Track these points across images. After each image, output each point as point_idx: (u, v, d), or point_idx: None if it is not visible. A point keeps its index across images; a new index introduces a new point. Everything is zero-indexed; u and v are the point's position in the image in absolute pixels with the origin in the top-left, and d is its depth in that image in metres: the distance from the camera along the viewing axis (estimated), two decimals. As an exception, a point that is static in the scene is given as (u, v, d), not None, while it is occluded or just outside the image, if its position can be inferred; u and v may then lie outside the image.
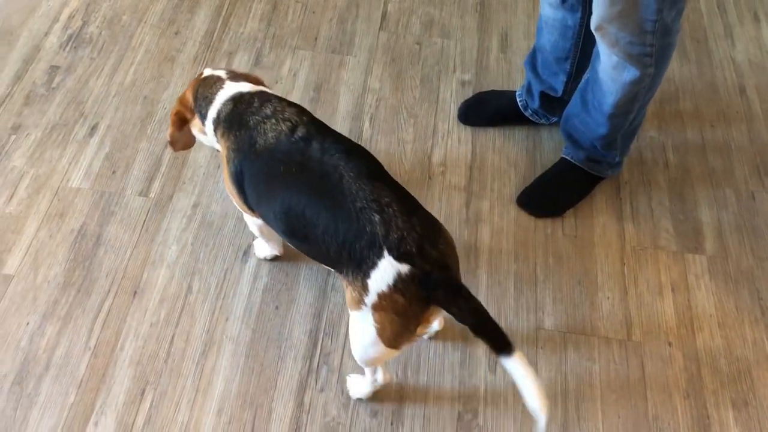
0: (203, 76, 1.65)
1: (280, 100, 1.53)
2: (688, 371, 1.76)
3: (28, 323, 1.76)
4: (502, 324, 1.75)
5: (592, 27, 1.67)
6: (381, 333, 1.36)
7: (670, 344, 1.81)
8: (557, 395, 1.71)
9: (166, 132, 1.72)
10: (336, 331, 1.79)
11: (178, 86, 2.26)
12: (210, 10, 2.50)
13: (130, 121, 2.18)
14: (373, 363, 1.55)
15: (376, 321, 1.35)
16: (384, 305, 1.31)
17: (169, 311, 1.80)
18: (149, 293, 1.83)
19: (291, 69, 2.35)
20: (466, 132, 2.21)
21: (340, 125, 2.20)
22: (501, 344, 1.27)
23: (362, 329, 1.39)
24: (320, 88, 2.30)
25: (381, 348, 1.39)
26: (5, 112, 2.17)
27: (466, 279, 1.80)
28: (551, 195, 2.06)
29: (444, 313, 1.32)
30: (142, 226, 1.95)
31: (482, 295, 1.86)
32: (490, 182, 2.10)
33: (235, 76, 1.63)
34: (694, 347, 1.80)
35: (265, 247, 1.85)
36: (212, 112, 1.56)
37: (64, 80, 2.26)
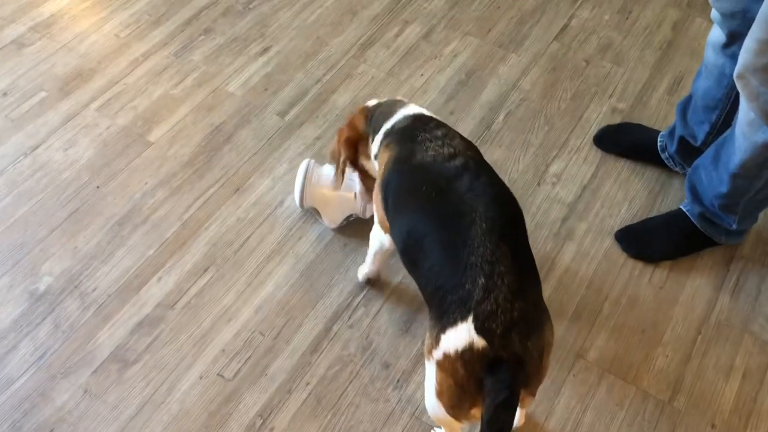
0: (372, 103, 1.68)
1: (453, 130, 1.51)
2: (719, 459, 1.61)
3: (146, 183, 2.05)
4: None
5: (735, 74, 1.57)
6: (439, 394, 1.30)
7: (713, 426, 1.66)
8: (567, 423, 1.66)
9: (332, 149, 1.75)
10: (386, 286, 1.87)
11: (349, 36, 2.46)
12: (407, -20, 2.67)
13: (298, 52, 2.41)
14: (441, 423, 1.45)
15: (437, 379, 1.29)
16: (447, 367, 1.25)
17: (256, 214, 1.99)
18: (248, 194, 2.03)
19: (454, 50, 2.44)
20: (595, 154, 2.17)
21: (475, 111, 2.26)
22: None
23: (428, 381, 1.34)
24: (473, 74, 2.37)
25: (441, 409, 1.32)
26: (205, 16, 2.50)
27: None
28: (653, 240, 1.96)
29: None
30: (268, 140, 2.16)
31: (538, 306, 1.83)
32: (597, 207, 2.05)
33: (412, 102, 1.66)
34: (738, 439, 1.64)
35: (367, 268, 1.82)
36: (388, 125, 1.57)
37: (261, 4, 2.55)
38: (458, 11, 2.57)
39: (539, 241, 1.96)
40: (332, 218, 1.93)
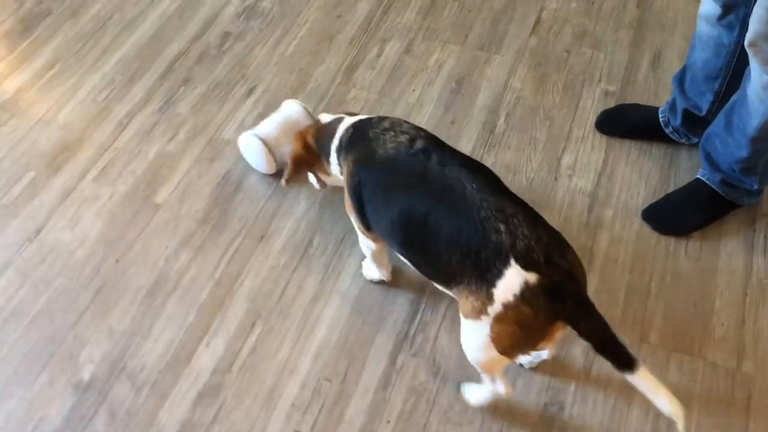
0: (323, 122, 1.74)
1: (398, 119, 1.58)
2: (800, 413, 1.65)
3: (166, 247, 1.96)
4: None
5: (746, 43, 1.63)
6: (497, 341, 1.35)
7: (784, 383, 1.71)
8: (649, 410, 1.67)
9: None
10: (437, 305, 1.85)
11: (331, 63, 2.42)
12: (373, -1, 2.66)
13: (284, 88, 2.36)
14: (487, 368, 1.50)
15: (493, 331, 1.33)
16: (508, 316, 1.29)
17: (289, 259, 1.94)
18: (274, 240, 1.98)
19: (438, 60, 2.44)
20: (601, 140, 2.20)
21: (476, 117, 2.26)
22: (625, 362, 1.26)
23: (476, 337, 1.38)
24: (462, 80, 2.38)
25: (494, 353, 1.38)
26: (180, 66, 2.42)
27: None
28: (679, 214, 2.01)
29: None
30: (278, 182, 2.11)
31: (589, 298, 1.85)
32: (617, 192, 2.08)
33: (350, 114, 1.72)
34: (811, 391, 1.69)
35: (373, 269, 1.85)
36: (335, 143, 1.63)
37: (234, 45, 2.49)
38: (431, 21, 2.57)
39: (572, 235, 1.98)
40: None
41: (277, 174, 2.09)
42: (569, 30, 2.54)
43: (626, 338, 1.75)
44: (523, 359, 1.71)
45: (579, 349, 1.76)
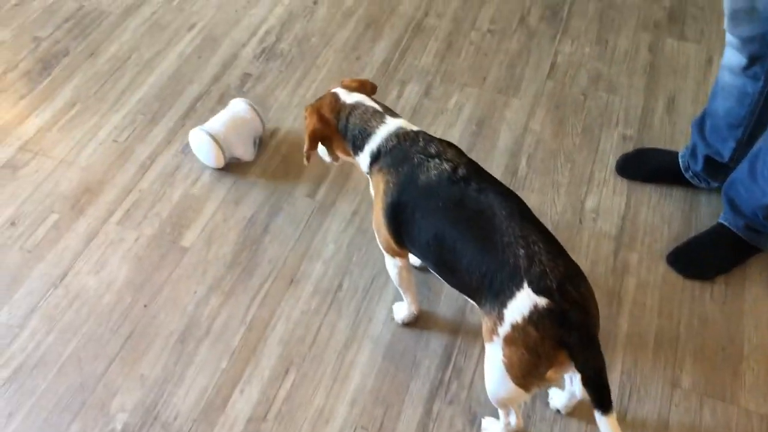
0: (344, 100, 1.66)
1: (440, 141, 1.59)
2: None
3: (195, 292, 1.95)
4: (637, 376, 1.77)
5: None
6: (509, 368, 1.38)
7: (817, 429, 1.72)
8: (687, 455, 1.68)
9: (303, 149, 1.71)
10: (470, 350, 1.85)
11: (352, 105, 2.44)
12: (390, 42, 2.69)
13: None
14: (503, 402, 1.55)
15: (505, 355, 1.37)
16: (516, 338, 1.34)
17: (319, 303, 1.93)
18: (304, 283, 1.97)
19: (457, 103, 2.47)
20: (622, 184, 2.24)
21: (498, 160, 2.29)
22: (604, 404, 1.32)
23: (493, 363, 1.42)
24: (482, 123, 2.41)
25: (510, 385, 1.41)
26: (201, 107, 2.43)
27: (605, 325, 1.83)
28: (703, 258, 2.04)
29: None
30: (306, 224, 2.11)
31: (620, 344, 1.86)
32: (641, 236, 2.11)
33: (387, 110, 1.66)
34: (844, 436, 1.71)
35: (403, 308, 1.87)
36: (372, 146, 1.61)
37: (254, 86, 2.51)
38: (449, 64, 2.61)
39: (599, 279, 2.00)
40: (249, 152, 2.23)
41: (226, 168, 2.22)
42: (584, 74, 2.59)
43: (658, 382, 1.79)
44: (559, 403, 1.71)
45: (613, 395, 1.76)
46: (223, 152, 2.16)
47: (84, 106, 2.42)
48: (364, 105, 1.66)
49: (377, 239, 1.69)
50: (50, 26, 2.69)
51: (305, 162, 1.71)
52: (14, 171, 2.22)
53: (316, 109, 1.69)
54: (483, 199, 1.45)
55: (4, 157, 2.26)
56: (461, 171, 1.50)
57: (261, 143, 2.30)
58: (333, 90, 1.70)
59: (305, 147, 1.69)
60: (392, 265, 1.75)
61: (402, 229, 1.58)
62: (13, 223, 2.08)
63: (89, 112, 2.40)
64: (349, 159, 1.74)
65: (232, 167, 2.24)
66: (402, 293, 1.84)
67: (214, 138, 2.14)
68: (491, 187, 1.48)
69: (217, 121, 2.20)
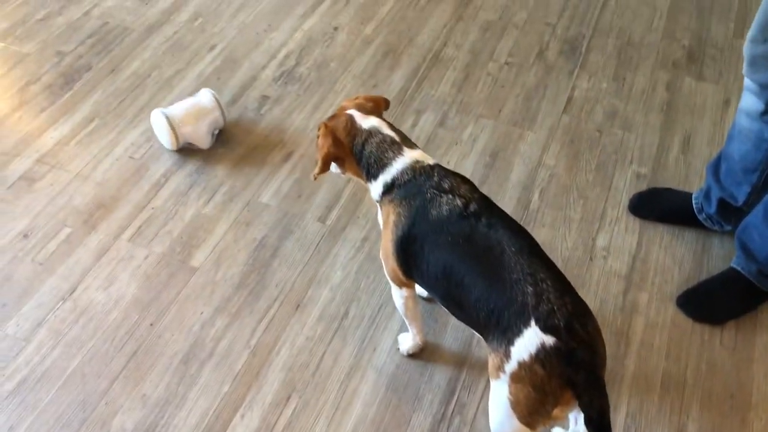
0: (360, 125, 1.63)
1: (455, 175, 1.58)
2: None
3: (202, 312, 1.95)
4: (642, 420, 1.75)
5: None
6: (515, 406, 1.37)
7: (824, 483, 1.69)
8: (691, 504, 1.65)
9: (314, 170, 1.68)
10: (475, 385, 1.83)
11: (367, 131, 2.45)
12: (408, 70, 2.70)
13: (320, 154, 2.38)
14: None
15: (511, 392, 1.36)
16: (522, 375, 1.33)
17: (324, 329, 1.93)
18: (310, 309, 1.97)
19: (472, 134, 2.48)
20: (634, 223, 2.22)
21: (510, 193, 2.29)
22: None
23: (498, 400, 1.41)
24: (496, 155, 2.41)
25: (515, 423, 1.40)
26: (218, 128, 2.45)
27: (612, 365, 1.81)
28: (714, 302, 2.01)
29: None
30: (315, 248, 2.11)
31: (626, 385, 1.84)
32: (651, 276, 2.09)
33: (404, 139, 1.64)
34: None
35: (408, 339, 1.86)
36: (386, 176, 1.60)
37: (272, 109, 2.53)
38: (465, 95, 2.62)
39: (608, 318, 1.98)
40: (205, 141, 2.33)
41: (180, 151, 2.35)
42: (600, 110, 2.59)
43: (664, 427, 1.76)
44: None
45: (618, 438, 1.74)
46: (177, 136, 2.27)
47: (103, 121, 2.45)
48: (381, 133, 1.63)
49: (384, 269, 1.69)
50: (74, 41, 2.74)
51: (312, 178, 1.70)
52: (30, 183, 2.25)
53: (331, 131, 1.65)
54: (493, 235, 1.45)
55: (21, 169, 2.29)
56: (473, 206, 1.50)
57: (220, 135, 2.41)
58: (348, 111, 1.66)
59: (316, 169, 1.66)
60: (398, 295, 1.74)
61: (410, 261, 1.58)
62: (25, 236, 2.10)
63: (107, 128, 2.43)
64: (359, 180, 1.74)
65: (247, 189, 2.25)
66: (407, 324, 1.83)
67: (170, 120, 2.25)
68: (501, 223, 1.48)
69: (179, 106, 2.32)
